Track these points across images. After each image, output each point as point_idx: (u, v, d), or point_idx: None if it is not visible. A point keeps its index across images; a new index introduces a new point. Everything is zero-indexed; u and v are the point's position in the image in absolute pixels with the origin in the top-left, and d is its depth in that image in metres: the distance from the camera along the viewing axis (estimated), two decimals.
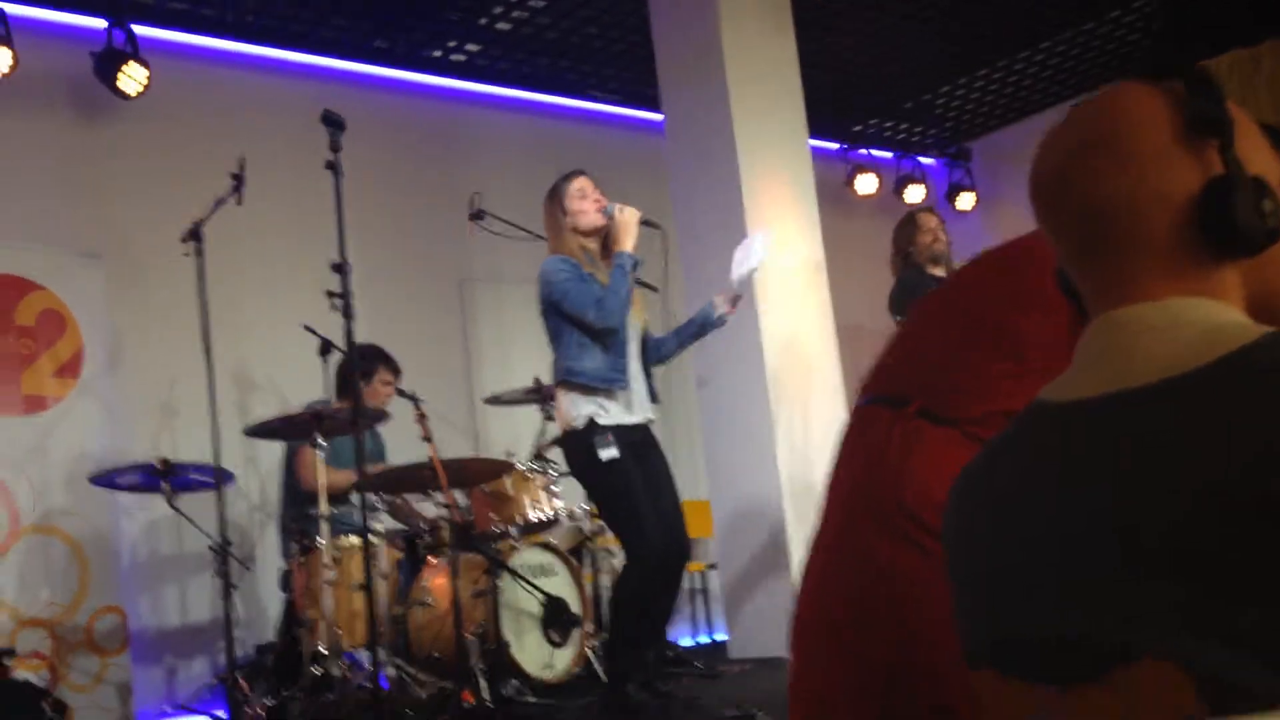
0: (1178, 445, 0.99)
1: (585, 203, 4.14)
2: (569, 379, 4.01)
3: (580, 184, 4.17)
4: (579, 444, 3.96)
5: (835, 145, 8.57)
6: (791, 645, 1.73)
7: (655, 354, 4.26)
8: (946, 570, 1.24)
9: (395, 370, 5.31)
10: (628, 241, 4.07)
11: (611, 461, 3.89)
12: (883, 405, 1.72)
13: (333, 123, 3.29)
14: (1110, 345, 1.10)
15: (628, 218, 4.09)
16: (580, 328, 4.00)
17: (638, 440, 4.04)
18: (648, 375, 4.16)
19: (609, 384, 3.98)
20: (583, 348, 4.01)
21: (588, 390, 3.98)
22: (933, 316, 1.83)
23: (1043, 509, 1.09)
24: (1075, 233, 1.11)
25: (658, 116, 6.27)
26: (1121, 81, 1.12)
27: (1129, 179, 1.06)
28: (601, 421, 3.93)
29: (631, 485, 3.91)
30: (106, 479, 4.81)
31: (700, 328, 4.36)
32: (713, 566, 6.19)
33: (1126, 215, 1.07)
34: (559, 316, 4.05)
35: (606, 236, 4.16)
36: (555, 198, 4.18)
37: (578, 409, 3.97)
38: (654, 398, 4.17)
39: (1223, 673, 0.94)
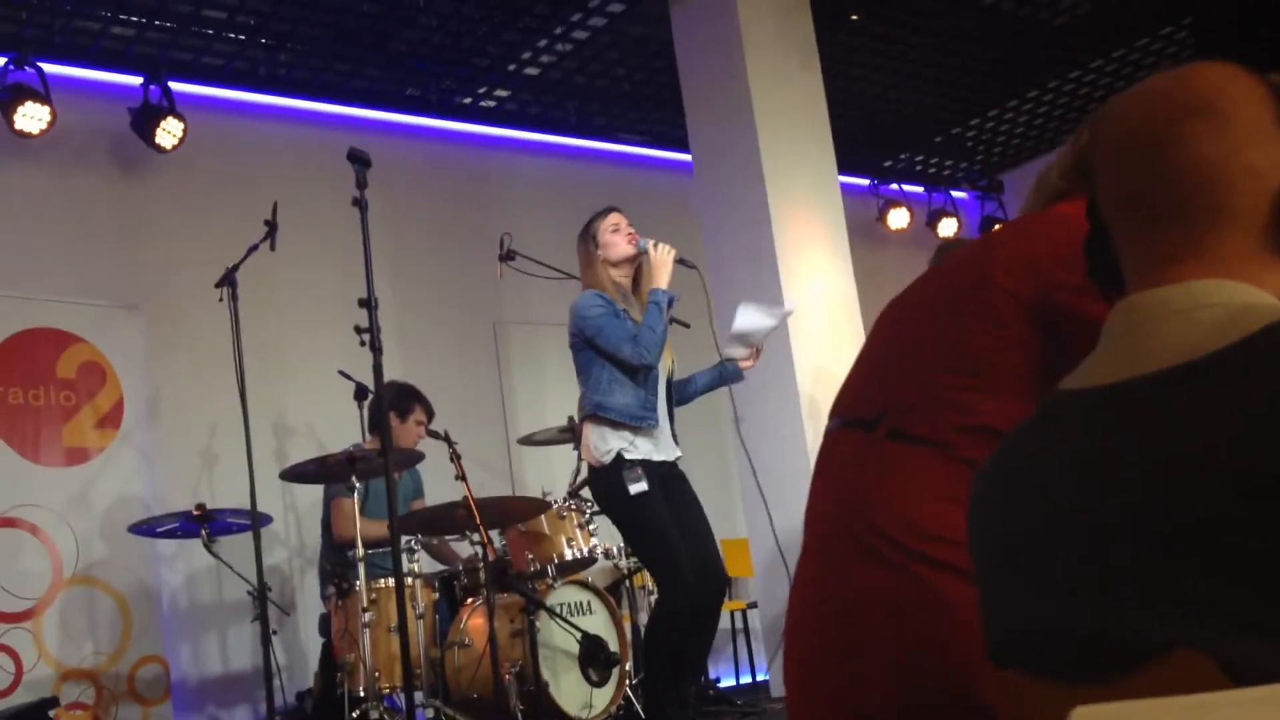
0: (1203, 429, 0.97)
1: (617, 235, 4.14)
2: (598, 413, 3.98)
3: (614, 219, 4.18)
4: (607, 478, 3.93)
5: (866, 181, 8.57)
6: (785, 679, 1.74)
7: (679, 395, 4.25)
8: (972, 564, 1.21)
9: (429, 411, 5.33)
10: (663, 279, 4.06)
11: (641, 495, 3.85)
12: (853, 428, 1.72)
13: (358, 160, 3.33)
14: (1133, 329, 1.08)
15: (663, 256, 4.09)
16: (613, 363, 3.98)
17: (666, 475, 4.02)
18: (671, 418, 4.15)
19: (639, 421, 3.96)
20: (614, 383, 3.99)
21: (616, 425, 3.95)
22: (891, 333, 1.81)
23: (1067, 500, 1.07)
24: (1157, 194, 1.09)
25: (686, 157, 6.30)
26: (1210, 61, 1.12)
27: (1225, 147, 1.06)
28: (629, 456, 3.91)
29: (662, 519, 3.88)
30: (146, 528, 4.85)
31: (719, 378, 4.35)
32: (754, 605, 6.14)
33: (1217, 183, 1.06)
34: (590, 350, 4.03)
35: (638, 275, 4.16)
36: (588, 232, 4.20)
37: (606, 444, 3.94)
38: (674, 440, 4.14)
39: (1256, 663, 0.92)
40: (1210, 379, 0.99)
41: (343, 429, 5.57)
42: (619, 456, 3.91)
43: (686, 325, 4.33)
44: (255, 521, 4.25)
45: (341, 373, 5.33)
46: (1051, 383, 1.56)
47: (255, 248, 4.42)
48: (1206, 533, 0.96)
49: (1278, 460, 0.93)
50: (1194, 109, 1.08)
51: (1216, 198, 1.07)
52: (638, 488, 3.85)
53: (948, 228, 8.60)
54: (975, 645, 1.55)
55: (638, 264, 4.16)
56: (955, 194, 9.03)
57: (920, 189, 8.88)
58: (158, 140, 5.75)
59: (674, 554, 3.85)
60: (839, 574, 1.67)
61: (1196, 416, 0.98)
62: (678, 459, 4.11)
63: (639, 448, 3.95)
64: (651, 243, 4.12)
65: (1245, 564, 0.94)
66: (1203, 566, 0.95)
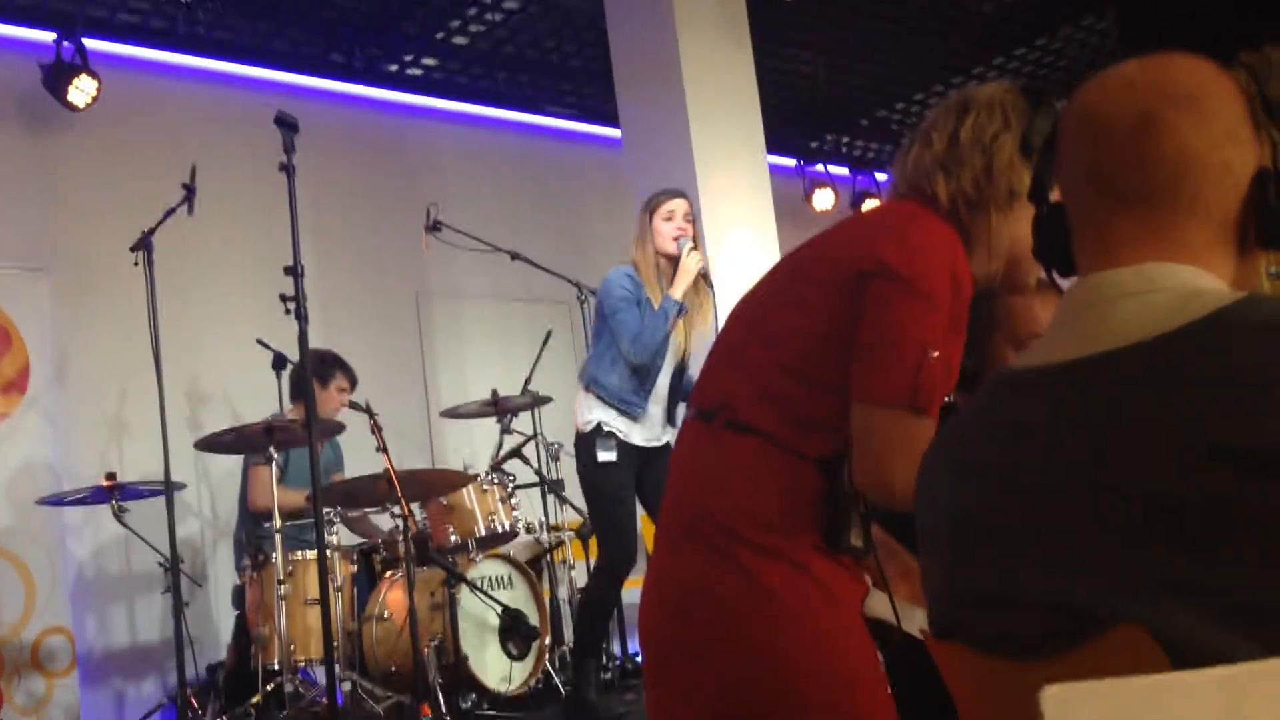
0: (1153, 406, 0.98)
1: (669, 225, 4.14)
2: (590, 386, 4.11)
3: (671, 206, 4.17)
4: (583, 445, 4.07)
5: (793, 161, 8.61)
6: (643, 663, 1.77)
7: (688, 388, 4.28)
8: (918, 539, 1.22)
9: (351, 379, 5.25)
10: (680, 287, 4.08)
11: (607, 464, 3.98)
12: (698, 418, 1.74)
13: (286, 124, 3.24)
14: (1088, 309, 1.09)
15: (690, 263, 4.10)
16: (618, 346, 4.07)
17: (646, 459, 4.12)
18: (673, 403, 4.20)
19: (625, 406, 4.07)
20: (614, 363, 4.08)
21: (604, 402, 4.07)
22: (735, 325, 1.82)
23: (1016, 474, 1.07)
24: (1131, 179, 1.10)
25: (616, 132, 6.26)
26: (1184, 54, 1.14)
27: (1207, 140, 1.08)
28: (607, 429, 4.03)
29: (620, 490, 4.03)
30: (55, 499, 4.72)
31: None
32: None
33: (1196, 175, 1.08)
34: (606, 327, 4.11)
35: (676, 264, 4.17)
36: (648, 206, 4.20)
37: (591, 413, 4.07)
38: (671, 421, 4.21)
39: (1197, 636, 0.93)
40: (1160, 359, 1.00)
41: (259, 398, 5.46)
42: (598, 426, 4.03)
43: (711, 287, 4.26)
44: (169, 492, 4.15)
45: (259, 341, 5.22)
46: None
47: (172, 211, 4.30)
48: (1151, 507, 0.97)
49: (1221, 438, 0.94)
50: (1179, 100, 1.09)
51: (1190, 187, 1.08)
52: (605, 456, 3.98)
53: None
54: (800, 634, 1.60)
55: (673, 259, 4.16)
56: (880, 176, 9.12)
57: (846, 171, 8.94)
58: (70, 99, 5.56)
59: (621, 525, 4.01)
60: (675, 560, 1.71)
61: (1145, 395, 1.00)
62: (667, 444, 4.15)
63: (617, 425, 4.05)
64: (688, 247, 4.11)
65: (1189, 539, 0.95)
66: (1147, 541, 0.97)
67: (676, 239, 4.12)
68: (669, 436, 4.16)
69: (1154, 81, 1.12)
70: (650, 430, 4.13)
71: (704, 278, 4.16)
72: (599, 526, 4.17)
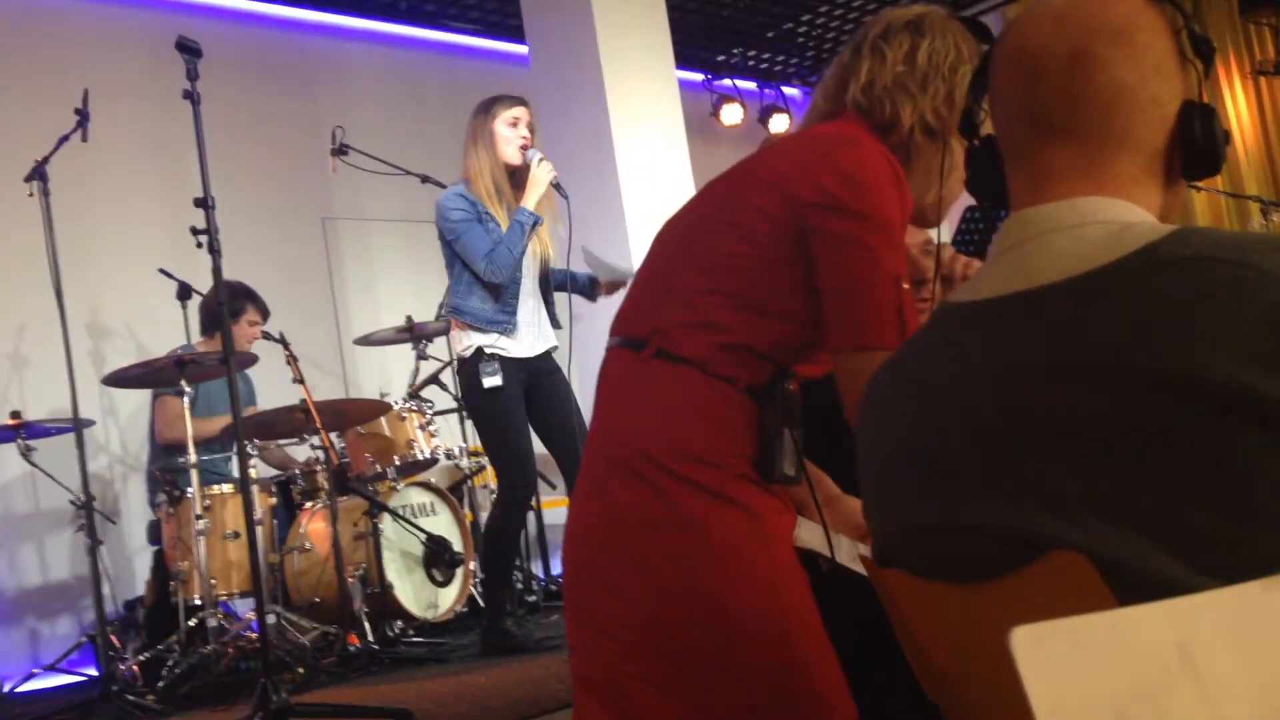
0: (1090, 337, 1.01)
1: (514, 132, 3.98)
2: (456, 314, 3.98)
3: (518, 111, 4.00)
4: (465, 372, 3.94)
5: (700, 75, 8.55)
6: (564, 598, 1.74)
7: (557, 281, 4.20)
8: (859, 468, 1.24)
9: (264, 311, 5.15)
10: (532, 197, 3.94)
11: (494, 389, 3.85)
12: (624, 347, 1.70)
13: (188, 50, 3.12)
14: (1022, 243, 1.11)
15: (542, 173, 3.95)
16: (468, 269, 3.93)
17: (534, 370, 4.00)
18: (548, 303, 4.11)
19: (493, 326, 3.94)
20: (471, 286, 3.94)
21: (475, 328, 3.94)
22: (661, 250, 1.77)
23: (955, 404, 1.10)
24: (1061, 112, 1.12)
25: (522, 48, 6.15)
26: None
27: (1137, 75, 1.10)
28: (489, 351, 3.90)
29: (511, 414, 3.89)
30: None
31: (574, 285, 4.32)
32: None
33: (1124, 107, 1.10)
34: (451, 251, 3.96)
35: (516, 175, 4.03)
36: (484, 116, 3.99)
37: (468, 339, 3.94)
38: (555, 323, 4.12)
39: (1133, 561, 0.97)
40: (1094, 293, 1.03)
41: (164, 330, 5.34)
42: (479, 350, 3.91)
43: (565, 197, 4.16)
44: (78, 428, 4.05)
45: (162, 271, 5.09)
46: (809, 300, 1.62)
47: (66, 139, 4.13)
48: (1086, 434, 1.00)
49: (1154, 366, 0.97)
50: (1110, 35, 1.11)
51: (1121, 121, 1.10)
52: (491, 382, 3.85)
53: (779, 124, 8.68)
54: (728, 569, 1.57)
55: (516, 170, 4.03)
56: (787, 90, 9.11)
57: (753, 85, 8.92)
58: None
59: (517, 452, 3.89)
60: (599, 492, 1.66)
61: (1080, 326, 1.02)
62: (552, 349, 4.09)
63: (498, 345, 3.93)
64: (538, 158, 3.98)
65: (1124, 465, 0.98)
66: (1084, 467, 1.00)
67: (523, 149, 3.97)
68: (546, 344, 4.06)
69: (1084, 16, 1.13)
70: (526, 340, 4.00)
71: (556, 188, 4.02)
72: (495, 454, 4.03)
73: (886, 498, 1.20)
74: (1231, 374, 0.94)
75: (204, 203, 3.01)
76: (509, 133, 3.97)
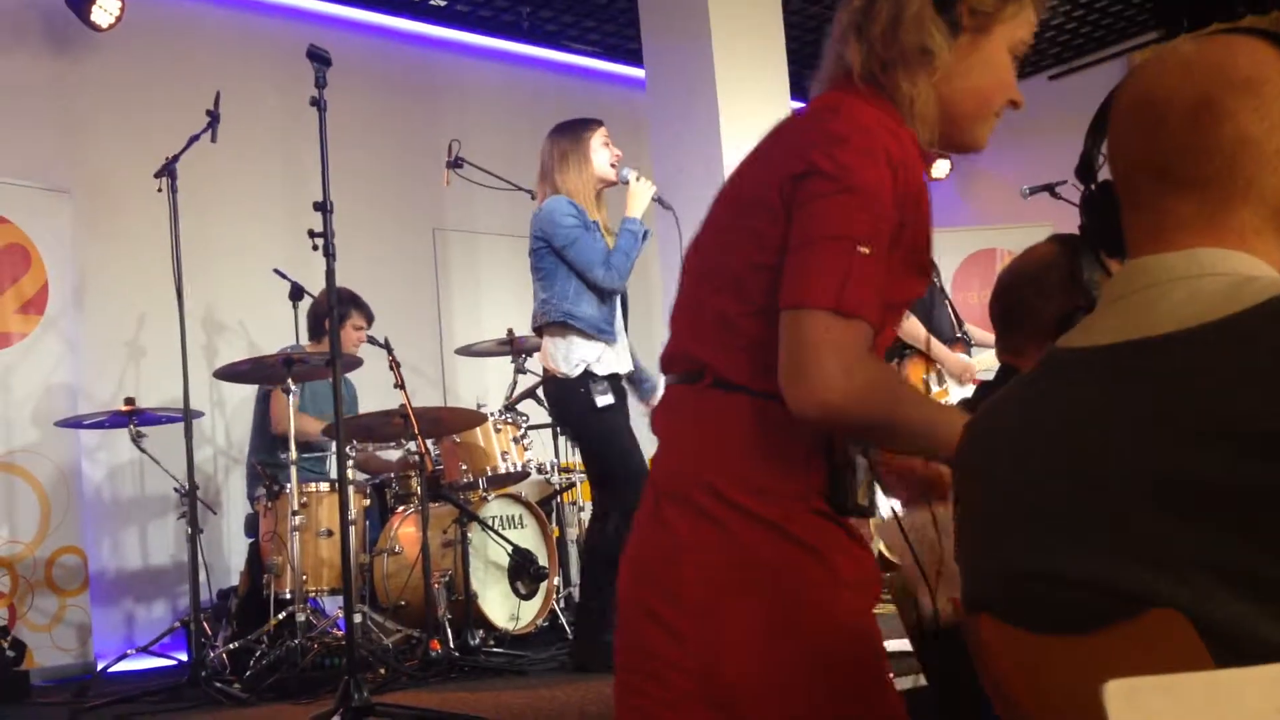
0: (1206, 391, 0.98)
1: (606, 153, 4.05)
2: (567, 321, 3.90)
3: (604, 133, 4.09)
4: (573, 390, 3.87)
5: None
6: (615, 641, 1.61)
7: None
8: (956, 510, 1.23)
9: (368, 316, 5.26)
10: (638, 209, 4.01)
11: (608, 407, 3.85)
12: (682, 382, 1.58)
13: (319, 58, 3.21)
14: (1138, 292, 1.09)
15: (644, 188, 4.04)
16: (579, 276, 3.94)
17: (621, 390, 4.02)
18: (626, 330, 4.14)
19: (603, 334, 3.92)
20: (581, 292, 3.92)
21: (586, 335, 3.90)
22: (686, 279, 1.64)
23: (1062, 454, 1.08)
24: (1186, 162, 1.10)
25: (639, 72, 6.21)
26: (1242, 33, 1.12)
27: (1264, 126, 1.08)
28: (596, 370, 3.88)
29: (626, 432, 3.89)
30: (74, 421, 4.76)
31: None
32: None
33: (1251, 160, 1.08)
34: (556, 258, 3.95)
35: (601, 194, 4.10)
36: (577, 138, 4.06)
37: (576, 353, 3.88)
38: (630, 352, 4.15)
39: (1236, 623, 0.94)
40: (1212, 345, 1.00)
41: (275, 328, 5.48)
42: (587, 369, 3.86)
43: (669, 208, 4.20)
44: (187, 418, 4.17)
45: (277, 271, 5.23)
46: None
47: (196, 138, 4.28)
48: (1199, 490, 0.98)
49: (1271, 422, 0.95)
50: (1237, 85, 1.08)
51: (1245, 174, 1.08)
52: (604, 400, 3.83)
53: None
54: (793, 615, 1.45)
55: (609, 186, 4.10)
56: None
57: None
58: (93, 18, 5.53)
59: (636, 468, 3.82)
60: (659, 527, 1.54)
61: (1197, 380, 1.00)
62: (629, 372, 4.12)
63: (605, 361, 3.91)
64: (634, 174, 4.06)
65: (1235, 522, 0.96)
66: (1194, 524, 0.97)
67: (614, 165, 4.05)
68: (630, 360, 4.05)
69: (1211, 65, 1.11)
70: (623, 354, 4.01)
71: (658, 201, 4.10)
72: (611, 471, 3.95)
73: (985, 543, 1.18)
74: None
75: (323, 206, 3.09)
76: (604, 153, 4.04)
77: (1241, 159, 1.09)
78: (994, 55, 1.56)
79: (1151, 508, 1.00)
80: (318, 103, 3.17)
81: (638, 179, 4.04)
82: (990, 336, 5.34)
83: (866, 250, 1.39)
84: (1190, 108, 1.10)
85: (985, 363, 5.27)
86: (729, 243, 1.55)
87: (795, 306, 1.40)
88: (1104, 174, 1.24)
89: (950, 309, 5.36)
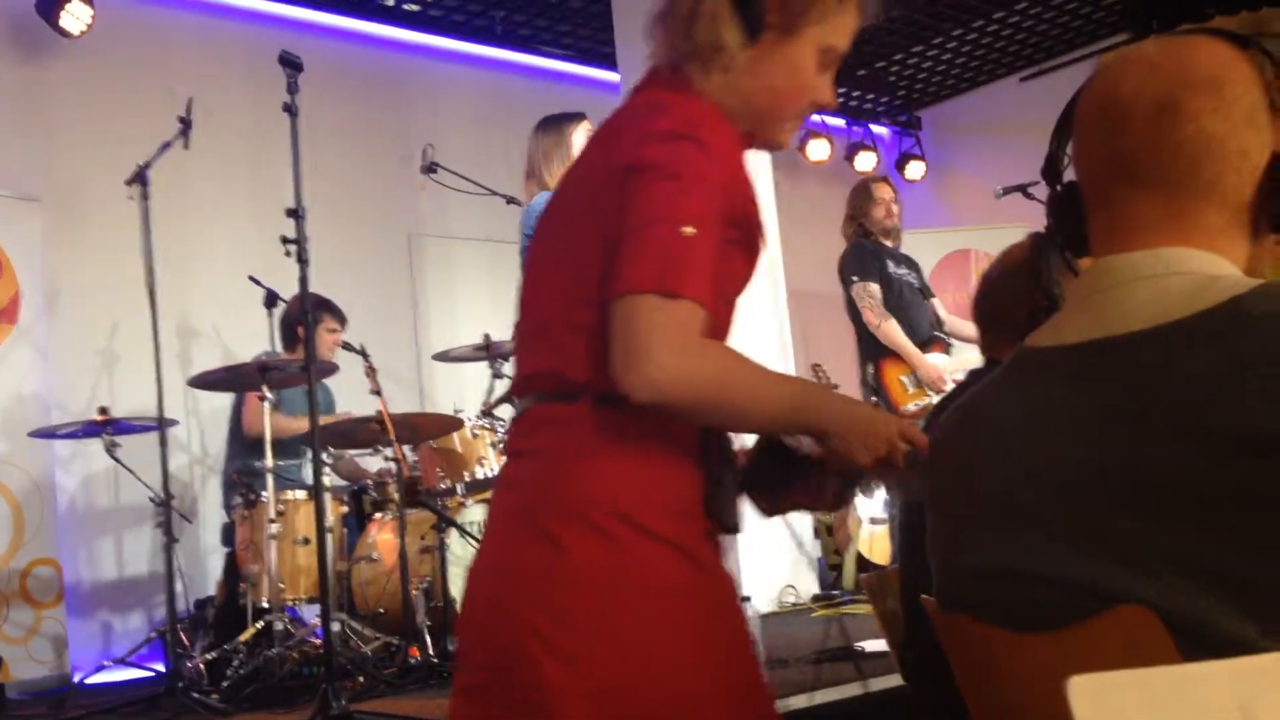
0: (1173, 390, 0.99)
1: None
2: None
3: (588, 126, 4.05)
4: None
5: None
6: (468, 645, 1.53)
7: None
8: (929, 506, 1.24)
9: (341, 319, 5.24)
10: None
11: None
12: (553, 401, 1.47)
13: (290, 64, 3.20)
14: (1104, 291, 1.10)
15: None
16: None
17: None
18: None
19: None
20: None
21: None
22: (534, 293, 1.55)
23: (1030, 452, 1.09)
24: (1149, 162, 1.11)
25: (614, 76, 6.21)
26: (1204, 34, 1.13)
27: (1226, 126, 1.09)
28: None
29: None
30: (47, 432, 4.73)
31: None
32: None
33: (1213, 159, 1.09)
34: None
35: None
36: (560, 132, 4.05)
37: None
38: None
39: (1203, 618, 0.95)
40: (1177, 345, 1.01)
41: (249, 335, 5.45)
42: None
43: None
44: (162, 427, 4.15)
45: (251, 278, 5.20)
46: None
47: (168, 145, 4.26)
48: (1166, 488, 0.99)
49: (1236, 424, 0.96)
50: (1200, 85, 1.10)
51: (1208, 173, 1.09)
52: None
53: (866, 162, 8.65)
54: (692, 634, 1.39)
55: None
56: (875, 129, 9.07)
57: (841, 122, 8.90)
58: (63, 24, 5.50)
59: None
60: (541, 545, 1.41)
61: (1163, 379, 1.01)
62: None
63: None
64: None
65: (1200, 521, 0.97)
66: (1162, 521, 0.99)
67: None
68: None
69: (1174, 66, 1.12)
70: None
71: None
72: None
73: (956, 541, 1.19)
74: None
75: (295, 212, 3.08)
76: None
77: (1204, 158, 1.10)
78: (798, 57, 1.51)
79: (1118, 505, 1.01)
80: (289, 108, 3.15)
81: None
82: (973, 331, 5.39)
83: (691, 231, 1.35)
84: (1153, 108, 1.11)
85: (964, 363, 5.29)
86: (580, 254, 1.45)
87: (620, 295, 1.34)
88: (1070, 174, 1.25)
89: (930, 310, 5.38)
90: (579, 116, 4.09)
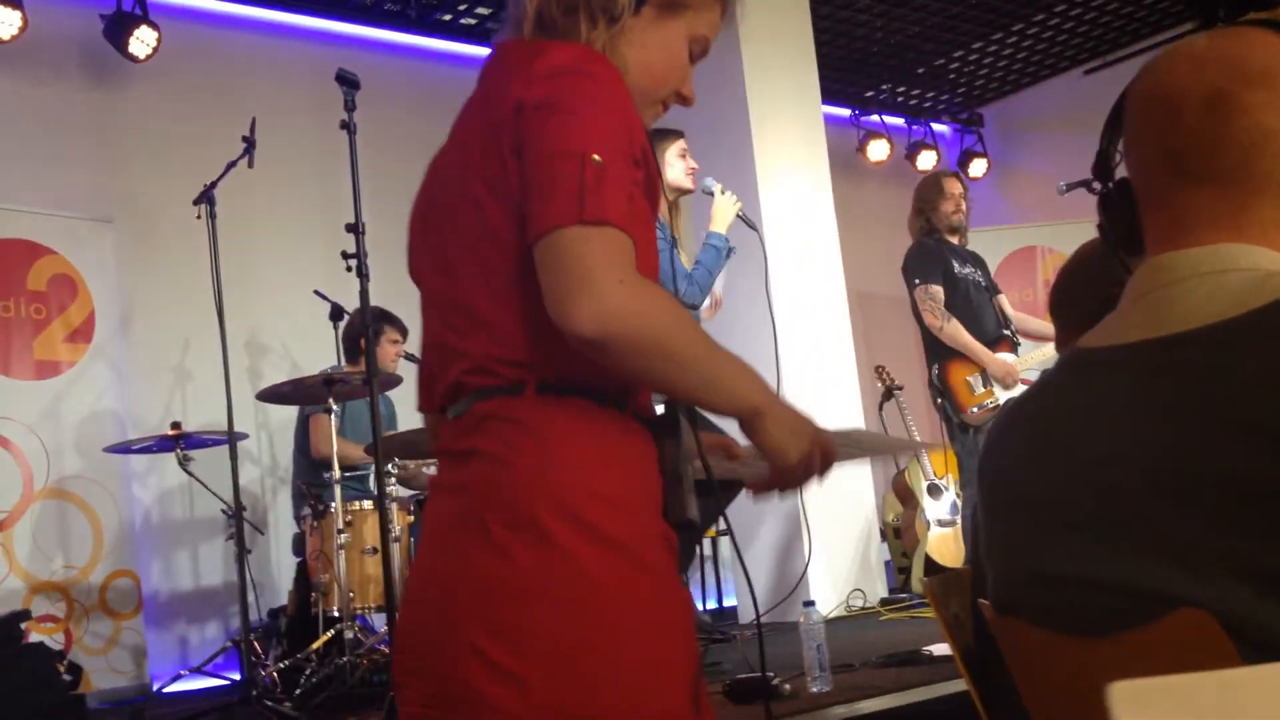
0: (1230, 388, 0.98)
1: (681, 164, 4.05)
2: None
3: (683, 144, 4.09)
4: None
5: (847, 111, 8.51)
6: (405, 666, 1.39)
7: None
8: (982, 508, 1.23)
9: (403, 331, 5.29)
10: (722, 225, 3.98)
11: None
12: (498, 395, 1.34)
13: (347, 82, 3.26)
14: (1160, 289, 1.09)
15: (727, 202, 4.01)
16: None
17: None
18: None
19: None
20: None
21: None
22: (441, 285, 1.43)
23: (1087, 453, 1.08)
24: (1203, 157, 1.09)
25: None
26: (1258, 26, 1.11)
27: (1279, 118, 1.07)
28: None
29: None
30: (122, 447, 4.84)
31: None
32: (723, 533, 6.20)
33: (1269, 153, 1.07)
34: None
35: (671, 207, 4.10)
36: (655, 142, 4.08)
37: None
38: None
39: (1261, 622, 0.93)
40: (1236, 342, 1.00)
41: (317, 349, 5.54)
42: None
43: (754, 228, 4.20)
44: (232, 441, 4.23)
45: (317, 292, 5.28)
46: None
47: (233, 164, 4.34)
48: (1224, 488, 0.97)
49: None
50: (1251, 77, 1.08)
51: (1263, 166, 1.07)
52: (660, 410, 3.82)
53: (927, 160, 8.58)
54: (641, 634, 1.29)
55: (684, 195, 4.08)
56: (936, 127, 9.00)
57: (901, 121, 8.84)
58: (131, 50, 5.63)
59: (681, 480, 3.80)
60: (482, 553, 1.30)
61: (1222, 377, 0.99)
62: None
63: None
64: (719, 187, 4.05)
65: (1260, 524, 0.95)
66: (1219, 522, 0.97)
67: (692, 174, 4.04)
68: None
69: (1224, 58, 1.10)
70: None
71: (742, 219, 4.06)
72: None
73: (1011, 544, 1.18)
74: None
75: (355, 228, 3.13)
76: (680, 163, 4.03)
77: (1258, 151, 1.08)
78: (673, 39, 1.46)
79: (1176, 507, 0.99)
80: (347, 125, 3.21)
81: (721, 191, 4.03)
82: (1045, 328, 5.30)
83: (600, 158, 1.24)
84: (1204, 102, 1.09)
85: (1033, 360, 5.22)
86: (485, 226, 1.34)
87: (542, 234, 1.23)
88: (1122, 171, 1.24)
89: (997, 307, 5.32)
90: (674, 134, 4.09)
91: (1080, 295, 2.32)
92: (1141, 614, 0.98)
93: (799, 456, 1.32)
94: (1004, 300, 5.41)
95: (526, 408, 1.31)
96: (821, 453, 1.35)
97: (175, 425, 4.55)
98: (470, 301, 1.35)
